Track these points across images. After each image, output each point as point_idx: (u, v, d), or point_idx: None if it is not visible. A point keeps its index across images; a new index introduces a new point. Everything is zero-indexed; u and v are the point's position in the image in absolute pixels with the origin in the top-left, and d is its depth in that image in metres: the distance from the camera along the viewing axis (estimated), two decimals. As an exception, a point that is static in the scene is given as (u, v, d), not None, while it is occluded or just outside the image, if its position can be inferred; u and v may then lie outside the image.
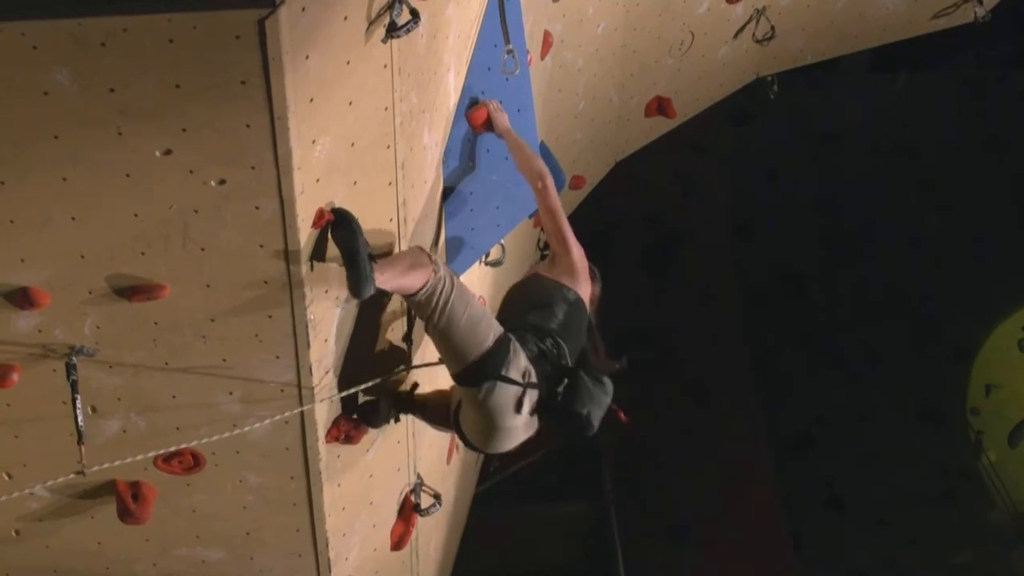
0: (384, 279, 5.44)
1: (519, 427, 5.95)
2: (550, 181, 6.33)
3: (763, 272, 16.12)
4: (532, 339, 5.98)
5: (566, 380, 5.96)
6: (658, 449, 15.01)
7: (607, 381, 6.12)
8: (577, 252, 6.37)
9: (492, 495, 12.32)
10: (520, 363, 5.82)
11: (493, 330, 5.79)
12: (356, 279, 5.27)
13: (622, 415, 6.28)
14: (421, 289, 5.60)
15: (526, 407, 5.89)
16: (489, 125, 6.44)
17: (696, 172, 16.23)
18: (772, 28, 9.94)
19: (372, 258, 5.33)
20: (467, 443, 6.17)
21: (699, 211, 16.28)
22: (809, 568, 14.74)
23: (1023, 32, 15.58)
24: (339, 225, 5.25)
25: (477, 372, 5.79)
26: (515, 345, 5.83)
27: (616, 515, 14.63)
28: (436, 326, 5.72)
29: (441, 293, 5.64)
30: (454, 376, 5.89)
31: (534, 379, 5.87)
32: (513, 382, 5.80)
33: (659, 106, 9.75)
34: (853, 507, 15.07)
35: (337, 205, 5.24)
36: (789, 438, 15.37)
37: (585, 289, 6.37)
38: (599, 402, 6.06)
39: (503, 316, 6.16)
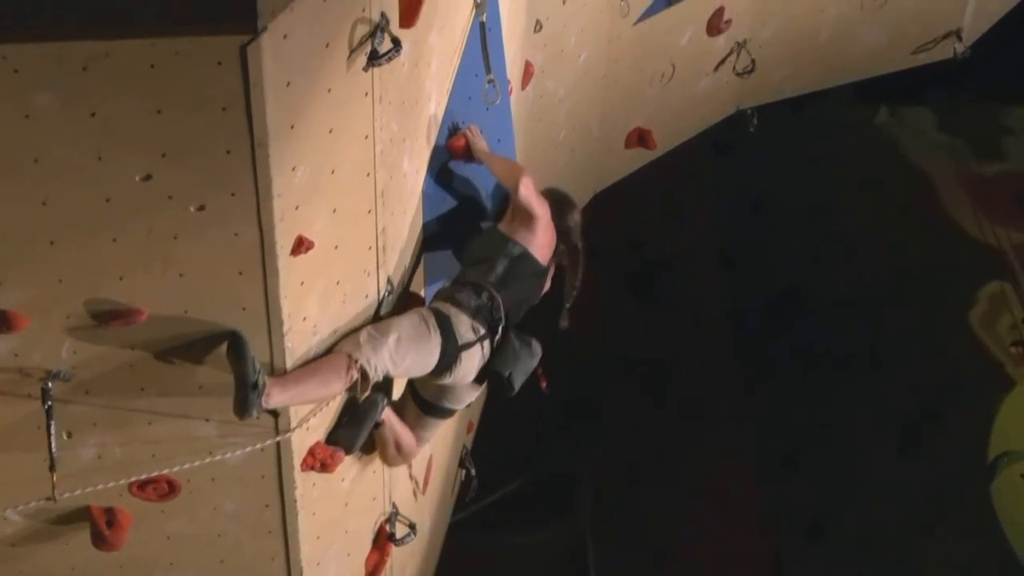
0: (285, 398, 5.47)
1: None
2: (526, 178, 6.34)
3: (748, 299, 16.10)
4: (469, 293, 6.14)
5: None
6: (641, 474, 14.97)
7: (535, 344, 6.35)
8: (540, 210, 6.41)
9: (469, 524, 12.27)
10: (464, 321, 6.01)
11: (433, 332, 5.91)
12: (238, 402, 5.30)
13: (544, 383, 6.48)
14: (350, 385, 5.71)
15: (485, 354, 6.15)
16: (469, 153, 6.45)
17: (678, 201, 16.24)
18: (753, 61, 9.97)
19: (257, 385, 5.30)
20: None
21: (683, 239, 16.27)
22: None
23: (1003, 67, 15.66)
24: (232, 348, 5.30)
25: (441, 366, 5.97)
26: (450, 311, 6.02)
27: (597, 540, 14.58)
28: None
29: (377, 372, 5.75)
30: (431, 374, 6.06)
31: (482, 331, 6.08)
32: (469, 345, 6.01)
33: (640, 137, 9.76)
34: (836, 534, 15.03)
35: (237, 331, 5.29)
36: (773, 464, 15.33)
37: (543, 237, 6.44)
38: (523, 365, 6.29)
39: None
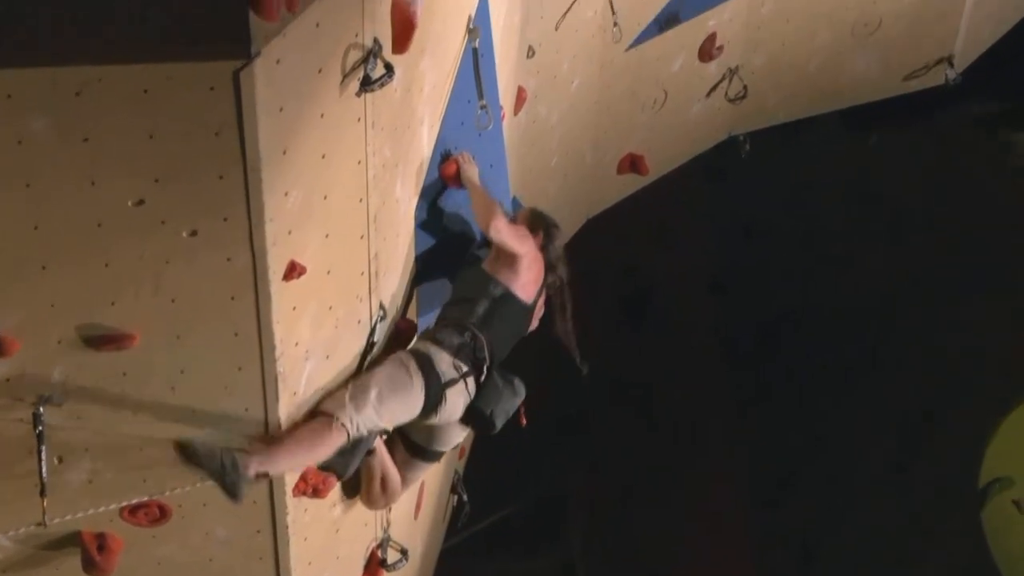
0: (272, 468, 5.52)
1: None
2: (502, 223, 6.31)
3: (739, 325, 16.11)
4: (451, 332, 6.15)
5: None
6: (634, 497, 14.96)
7: (518, 383, 6.37)
8: (520, 248, 6.39)
9: (461, 549, 12.25)
10: (446, 360, 6.03)
11: (414, 375, 5.92)
12: (226, 493, 5.38)
13: (524, 419, 6.49)
14: (341, 445, 5.72)
15: (470, 393, 6.15)
16: (460, 179, 6.45)
17: (670, 227, 16.26)
18: (745, 87, 10.00)
19: (230, 470, 5.35)
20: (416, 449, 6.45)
21: (675, 264, 16.29)
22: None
23: (995, 92, 15.70)
24: (186, 458, 5.39)
25: (428, 406, 5.98)
26: (431, 351, 6.04)
27: (589, 566, 14.57)
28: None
29: (360, 429, 5.75)
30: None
31: (465, 368, 6.09)
32: (453, 382, 6.02)
33: (632, 163, 9.77)
34: (828, 558, 15.03)
35: (187, 439, 5.38)
36: (764, 489, 15.33)
37: (528, 275, 6.41)
38: (505, 403, 6.30)
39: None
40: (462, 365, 6.07)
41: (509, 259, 6.35)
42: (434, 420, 6.11)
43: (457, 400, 6.10)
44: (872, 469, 15.25)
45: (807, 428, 15.47)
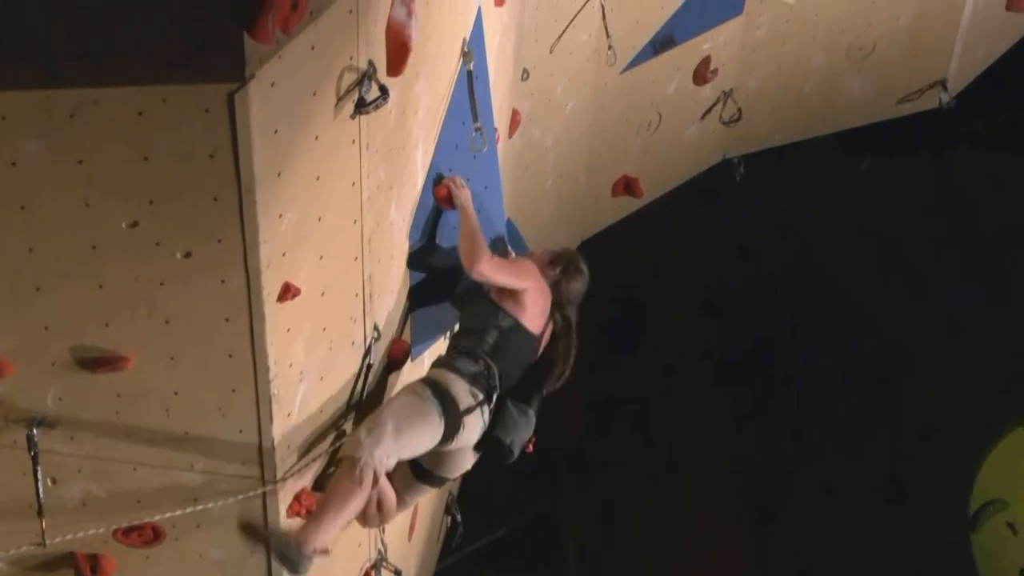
0: (324, 534, 5.63)
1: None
2: (485, 267, 6.26)
3: (731, 348, 16.13)
4: (466, 360, 6.15)
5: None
6: (626, 520, 14.95)
7: (531, 413, 6.39)
8: (519, 283, 6.38)
9: (455, 570, 12.23)
10: (463, 387, 6.03)
11: (429, 402, 5.92)
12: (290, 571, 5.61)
13: (532, 447, 6.47)
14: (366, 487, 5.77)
15: (487, 419, 6.17)
16: (452, 202, 6.44)
17: (664, 249, 16.28)
18: (739, 110, 10.03)
19: (297, 546, 5.53)
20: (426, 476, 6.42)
21: (668, 287, 16.31)
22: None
23: (989, 115, 15.74)
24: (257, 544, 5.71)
25: (448, 433, 5.95)
26: (447, 378, 6.04)
27: (584, 583, 14.59)
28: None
29: (385, 463, 5.78)
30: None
31: (480, 396, 6.10)
32: (470, 410, 6.03)
33: (626, 185, 9.80)
34: (821, 574, 15.03)
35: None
36: (757, 511, 15.33)
37: (534, 308, 6.41)
38: (521, 432, 6.32)
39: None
40: (478, 393, 6.08)
41: (512, 292, 6.36)
42: (451, 446, 6.09)
43: (473, 427, 6.10)
44: (866, 482, 15.26)
45: (800, 442, 15.48)
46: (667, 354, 15.88)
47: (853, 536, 14.94)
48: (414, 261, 6.40)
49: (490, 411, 6.17)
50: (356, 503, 5.69)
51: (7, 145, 4.58)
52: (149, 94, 4.50)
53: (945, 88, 10.64)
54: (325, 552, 5.64)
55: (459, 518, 8.61)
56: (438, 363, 6.25)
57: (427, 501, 7.87)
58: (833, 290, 16.17)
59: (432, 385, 5.99)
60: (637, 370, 15.94)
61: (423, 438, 5.90)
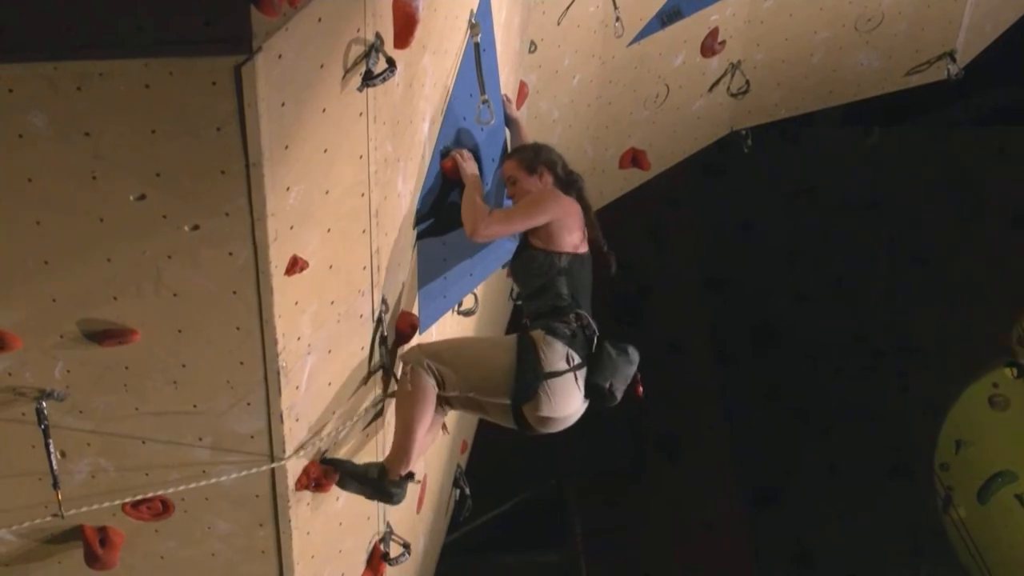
0: (407, 454, 5.85)
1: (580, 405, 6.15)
2: (492, 226, 6.25)
3: (735, 325, 16.13)
4: (558, 323, 6.09)
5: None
6: (629, 501, 14.98)
7: (632, 351, 6.25)
8: (542, 216, 6.33)
9: (462, 544, 12.27)
10: (557, 351, 5.97)
11: (501, 347, 5.98)
12: (385, 502, 5.94)
13: (640, 389, 6.33)
14: (440, 387, 5.94)
15: (581, 385, 6.05)
16: (458, 175, 6.43)
17: (669, 224, 16.27)
18: (747, 82, 10.01)
19: (381, 473, 5.80)
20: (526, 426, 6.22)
21: (671, 263, 16.30)
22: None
23: (997, 88, 15.71)
24: (342, 483, 5.86)
25: (520, 388, 5.93)
26: (542, 338, 6.00)
27: (589, 563, 14.60)
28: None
29: (431, 368, 5.92)
30: (512, 403, 6.01)
31: (577, 359, 6.01)
32: (557, 373, 5.95)
33: (633, 158, 9.79)
34: (822, 562, 15.06)
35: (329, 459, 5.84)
36: (759, 492, 15.36)
37: (569, 227, 6.36)
38: (622, 373, 6.18)
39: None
40: (575, 356, 6.02)
41: (542, 229, 6.33)
42: (544, 412, 6.00)
43: (565, 392, 6.00)
44: (870, 462, 15.28)
45: (804, 422, 15.50)
46: (670, 331, 15.88)
47: (856, 517, 14.98)
48: (421, 234, 6.40)
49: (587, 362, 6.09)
50: (426, 410, 5.79)
51: (13, 118, 4.56)
52: (156, 67, 4.48)
53: (953, 60, 10.60)
54: (411, 476, 5.76)
55: (467, 492, 8.62)
56: (538, 324, 6.15)
57: (435, 475, 7.89)
58: (839, 266, 16.17)
59: (520, 341, 6.01)
60: (640, 346, 15.94)
61: (481, 371, 5.99)
